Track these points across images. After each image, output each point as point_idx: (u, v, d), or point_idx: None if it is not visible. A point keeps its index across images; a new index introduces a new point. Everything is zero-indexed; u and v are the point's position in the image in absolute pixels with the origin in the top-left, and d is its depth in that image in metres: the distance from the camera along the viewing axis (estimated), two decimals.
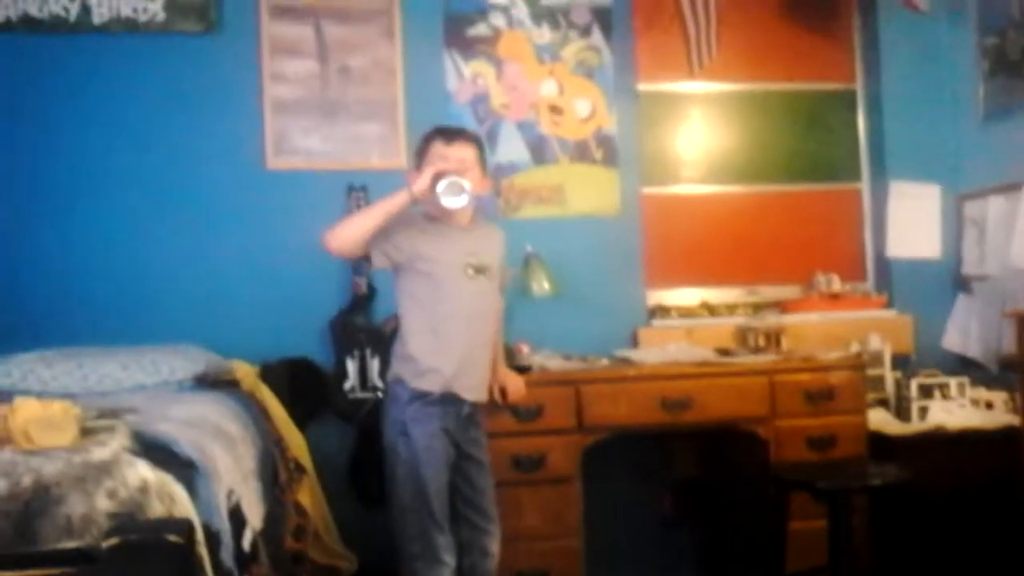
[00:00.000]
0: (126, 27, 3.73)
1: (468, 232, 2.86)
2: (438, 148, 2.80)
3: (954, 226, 4.18)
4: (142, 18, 3.74)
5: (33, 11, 3.67)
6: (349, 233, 2.68)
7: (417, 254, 2.75)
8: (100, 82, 3.73)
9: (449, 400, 2.77)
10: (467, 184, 2.67)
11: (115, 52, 3.74)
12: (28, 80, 3.68)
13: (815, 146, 4.39)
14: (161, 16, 3.76)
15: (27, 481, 1.67)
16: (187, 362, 3.09)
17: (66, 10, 3.70)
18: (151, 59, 3.76)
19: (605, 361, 3.65)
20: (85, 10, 3.71)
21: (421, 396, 2.74)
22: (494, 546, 2.91)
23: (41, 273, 3.64)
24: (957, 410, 3.68)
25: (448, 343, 2.76)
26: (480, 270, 2.81)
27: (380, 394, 3.67)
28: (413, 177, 2.76)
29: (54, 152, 3.69)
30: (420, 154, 2.86)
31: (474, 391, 2.83)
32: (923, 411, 3.69)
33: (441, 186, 2.66)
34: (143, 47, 3.76)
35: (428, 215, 2.83)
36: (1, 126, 3.66)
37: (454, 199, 2.67)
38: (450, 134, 2.86)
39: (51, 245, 3.66)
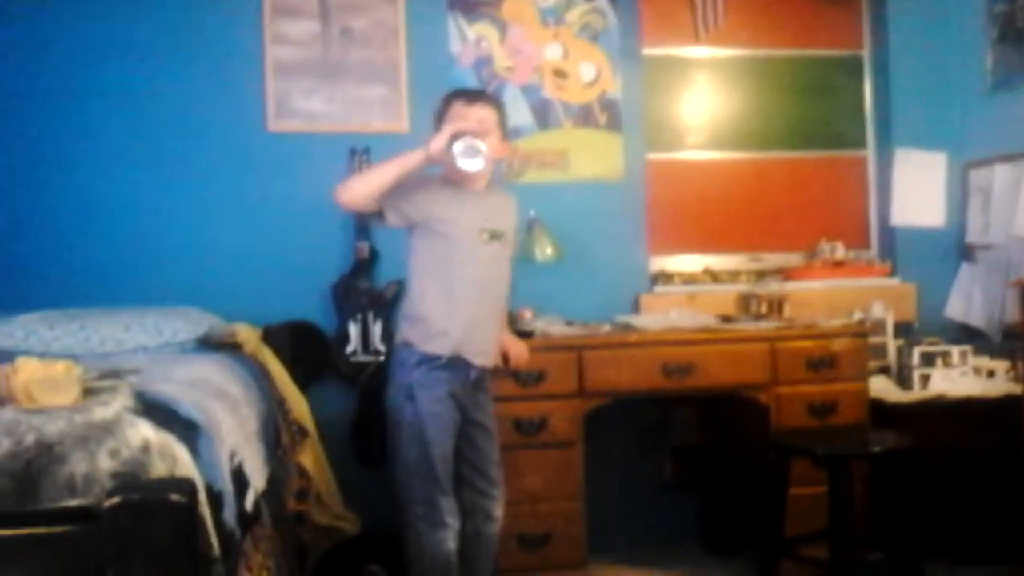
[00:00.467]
0: None
1: (483, 197, 2.84)
2: (458, 108, 2.77)
3: (959, 194, 4.16)
4: None
5: None
6: (362, 186, 2.67)
7: (434, 215, 2.72)
8: (100, 45, 3.70)
9: (457, 364, 2.76)
10: (483, 146, 2.64)
11: (115, 14, 3.70)
12: (25, 44, 3.65)
13: (821, 113, 4.36)
14: None
15: (29, 440, 1.67)
16: (189, 324, 3.09)
17: None
18: (149, 20, 3.72)
19: (607, 327, 3.65)
20: None
21: (429, 360, 2.73)
22: (498, 510, 2.93)
23: (44, 235, 3.63)
24: (959, 378, 3.68)
25: (460, 306, 2.75)
26: (495, 235, 2.80)
27: (382, 357, 3.68)
28: (431, 138, 2.72)
29: (54, 115, 3.66)
30: (439, 115, 2.83)
31: (483, 356, 2.83)
32: (925, 379, 3.70)
33: (458, 147, 2.63)
34: (142, 9, 3.72)
35: (444, 178, 2.80)
36: (5, 86, 3.63)
37: (470, 161, 2.64)
38: (471, 95, 2.85)
39: (53, 207, 3.65)
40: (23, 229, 3.62)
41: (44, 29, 3.66)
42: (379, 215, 2.74)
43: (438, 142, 2.62)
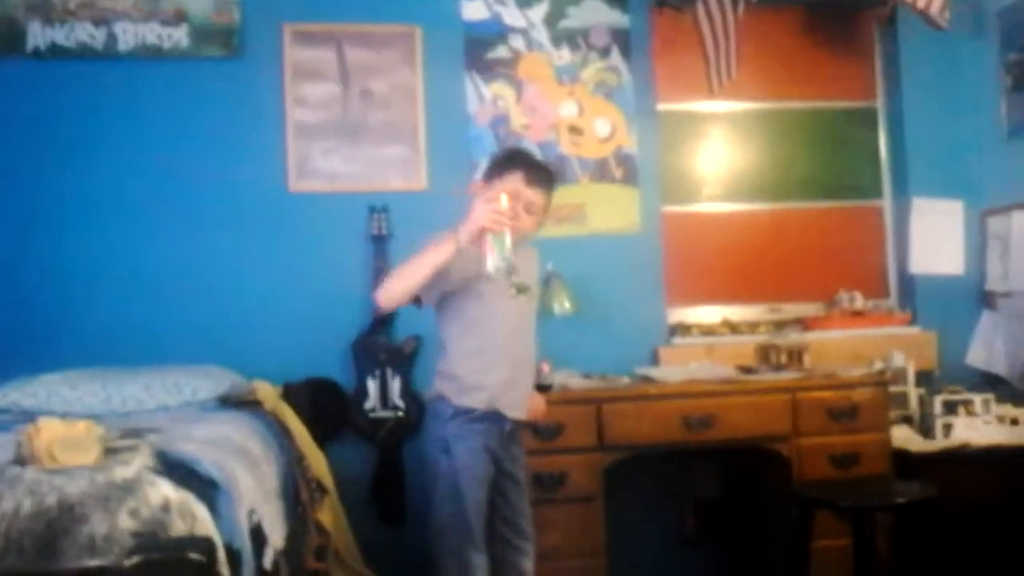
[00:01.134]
0: (151, 54, 3.79)
1: None
2: (516, 184, 2.70)
3: (977, 242, 4.16)
4: (166, 44, 3.80)
5: (60, 40, 3.73)
6: (401, 290, 2.63)
7: (464, 278, 2.73)
8: (126, 107, 3.78)
9: (492, 417, 2.76)
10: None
11: (140, 78, 3.79)
12: (55, 106, 3.74)
13: (836, 163, 4.38)
14: (185, 42, 3.82)
15: (51, 500, 1.69)
16: (210, 382, 3.12)
17: (92, 37, 3.76)
18: (175, 84, 3.81)
19: (626, 379, 3.65)
20: (111, 38, 3.77)
21: (464, 412, 2.73)
22: (528, 564, 2.89)
23: (66, 294, 3.69)
24: (982, 427, 3.64)
25: (494, 362, 2.75)
26: (522, 289, 2.80)
27: (400, 413, 3.69)
28: (478, 188, 2.68)
29: (79, 175, 3.74)
30: (496, 168, 2.79)
31: (517, 409, 2.82)
32: (947, 428, 3.66)
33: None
34: (167, 73, 3.81)
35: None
36: (30, 151, 3.72)
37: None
38: (535, 176, 2.75)
39: (76, 266, 3.71)
40: (45, 288, 3.67)
41: (68, 88, 3.75)
42: (415, 300, 2.72)
43: (468, 233, 2.55)
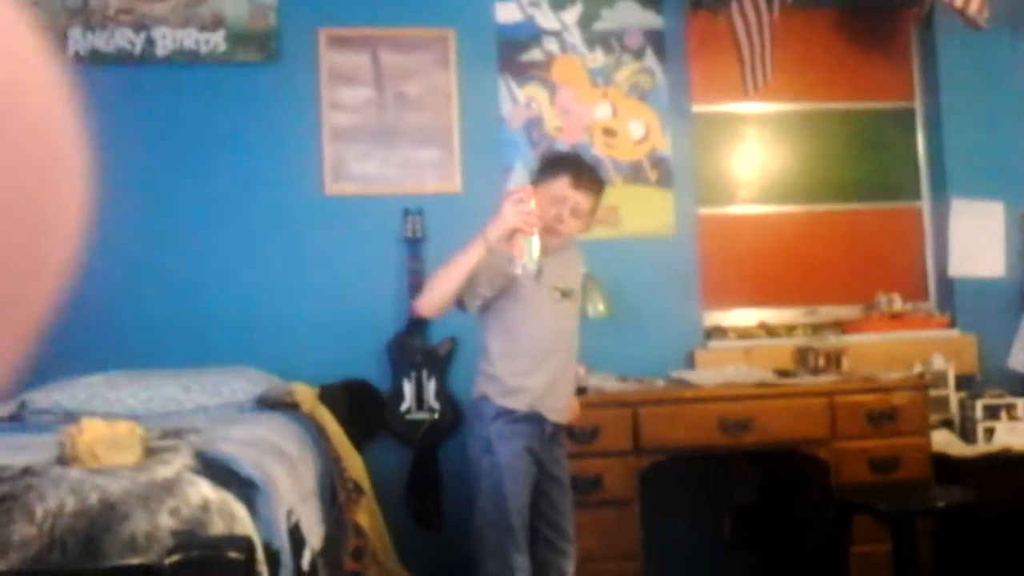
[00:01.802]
0: (189, 59, 3.83)
1: (554, 255, 2.75)
2: (563, 185, 2.70)
3: (1018, 244, 4.10)
4: (204, 49, 3.84)
5: (100, 45, 3.79)
6: (438, 298, 2.64)
7: (507, 283, 2.71)
8: (164, 112, 3.82)
9: (533, 419, 2.76)
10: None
11: (178, 82, 3.84)
12: (95, 110, 3.76)
13: (874, 165, 4.34)
14: (223, 47, 3.86)
15: (94, 499, 1.71)
16: (248, 384, 3.15)
17: (131, 43, 3.81)
18: (213, 88, 3.85)
19: (662, 383, 3.63)
20: (149, 43, 3.82)
21: (507, 413, 2.73)
22: (570, 566, 2.87)
23: (106, 296, 3.71)
24: None
25: (536, 365, 2.74)
26: (566, 294, 2.79)
27: (436, 415, 3.70)
28: (524, 193, 2.66)
29: (118, 179, 3.76)
30: (544, 171, 2.80)
31: (558, 412, 2.82)
32: (989, 432, 3.61)
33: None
34: (205, 77, 3.85)
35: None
36: None
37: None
38: (581, 178, 2.73)
39: (116, 269, 3.74)
40: (85, 290, 3.68)
41: (107, 93, 3.79)
42: (459, 304, 2.71)
43: (498, 233, 2.53)
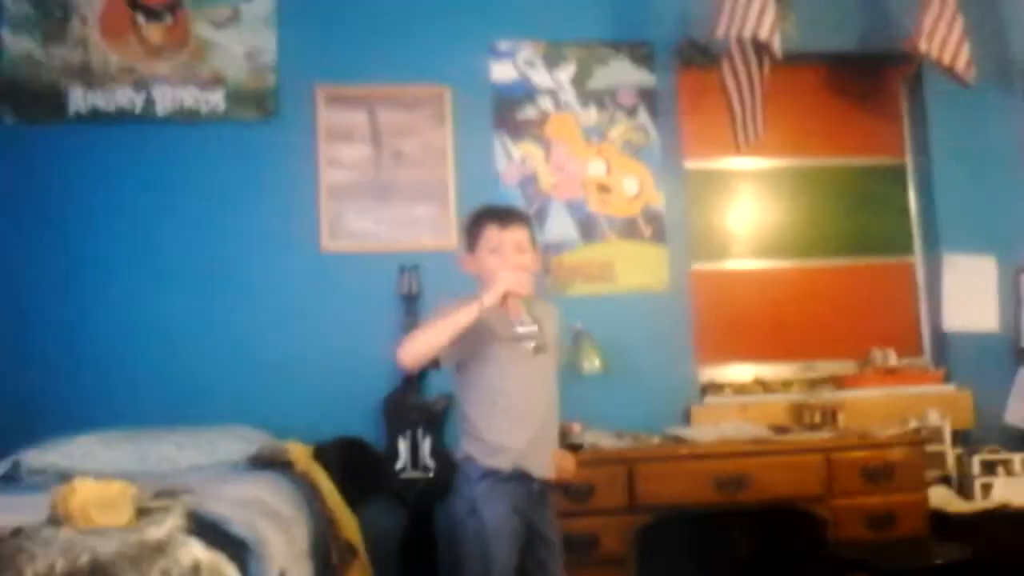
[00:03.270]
0: (188, 117, 3.88)
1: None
2: (493, 234, 2.76)
3: (1011, 298, 4.12)
4: (204, 108, 3.89)
5: (101, 104, 3.84)
6: (420, 351, 2.64)
7: (480, 341, 2.75)
8: (163, 169, 3.85)
9: (519, 477, 2.75)
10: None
11: (177, 141, 3.87)
12: (95, 169, 3.82)
13: (866, 220, 4.37)
14: (222, 106, 3.91)
15: (84, 560, 1.70)
16: (242, 443, 3.14)
17: (132, 103, 3.86)
18: (212, 146, 3.89)
19: (657, 439, 3.62)
20: (150, 102, 3.87)
21: (492, 473, 2.72)
22: None
23: (100, 355, 3.73)
24: (1022, 487, 3.57)
25: (517, 422, 2.73)
26: (540, 349, 2.80)
27: (431, 474, 3.68)
28: (467, 263, 2.76)
29: (116, 237, 3.81)
30: (471, 235, 2.83)
31: (543, 468, 2.80)
32: (986, 488, 3.60)
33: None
34: (204, 135, 3.89)
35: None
36: (69, 211, 3.79)
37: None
38: (503, 217, 2.80)
39: (111, 328, 3.75)
40: (79, 349, 3.72)
41: (107, 151, 3.84)
42: (434, 362, 2.74)
43: (492, 301, 2.62)
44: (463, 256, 2.84)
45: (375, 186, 3.98)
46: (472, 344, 2.71)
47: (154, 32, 3.92)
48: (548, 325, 2.89)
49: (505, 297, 2.61)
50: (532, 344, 2.68)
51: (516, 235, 2.78)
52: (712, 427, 3.71)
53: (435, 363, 2.73)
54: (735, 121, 3.96)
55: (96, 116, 3.84)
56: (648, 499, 3.34)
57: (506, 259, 2.71)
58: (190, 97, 3.90)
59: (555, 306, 3.00)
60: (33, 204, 3.78)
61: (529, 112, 4.10)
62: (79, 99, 3.83)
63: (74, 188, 3.80)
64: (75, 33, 3.86)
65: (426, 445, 3.71)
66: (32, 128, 3.80)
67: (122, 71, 3.87)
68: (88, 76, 3.85)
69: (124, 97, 3.86)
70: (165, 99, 3.89)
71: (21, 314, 3.72)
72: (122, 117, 3.85)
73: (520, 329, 2.62)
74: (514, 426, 2.73)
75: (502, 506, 2.69)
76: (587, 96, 4.14)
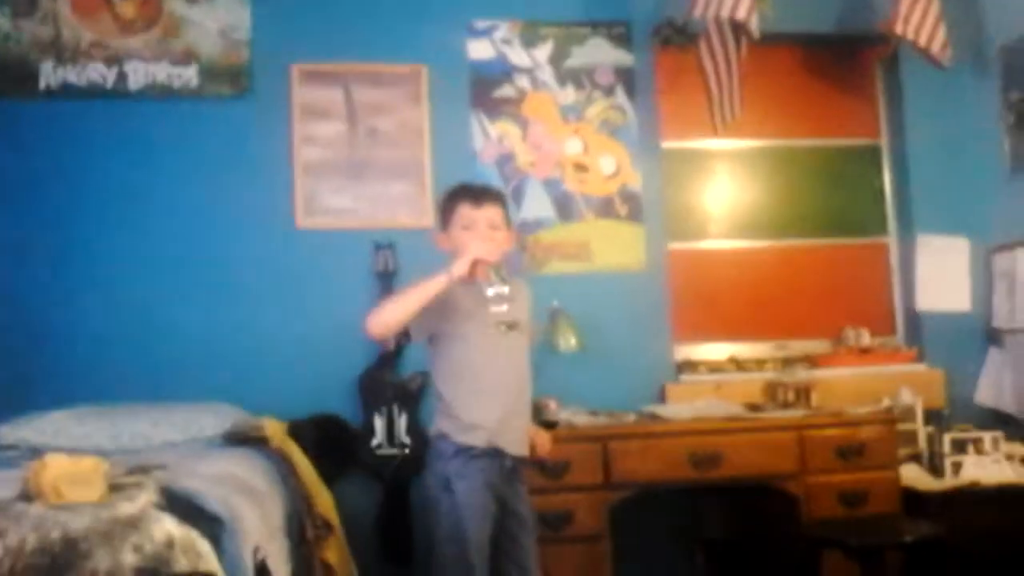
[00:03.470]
0: (161, 93, 3.84)
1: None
2: (466, 212, 2.78)
3: (984, 279, 4.16)
4: (176, 84, 3.85)
5: (72, 79, 3.79)
6: (390, 320, 2.67)
7: (452, 319, 2.76)
8: (135, 145, 3.81)
9: (493, 454, 2.76)
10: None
11: (150, 117, 3.83)
12: (66, 144, 3.78)
13: (841, 201, 4.40)
14: (195, 81, 3.87)
15: (55, 535, 1.69)
16: (216, 419, 3.12)
17: (103, 77, 3.81)
18: (185, 123, 3.85)
19: (632, 417, 3.64)
20: (121, 77, 3.82)
21: (465, 450, 2.73)
22: None
23: (73, 332, 3.70)
24: (991, 465, 3.62)
25: (489, 399, 2.75)
26: (512, 326, 2.81)
27: (407, 450, 3.68)
28: (441, 240, 2.79)
29: (89, 213, 3.77)
30: (445, 213, 2.85)
31: (516, 445, 2.82)
32: (957, 466, 3.64)
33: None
34: (177, 111, 3.86)
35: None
36: (40, 188, 3.75)
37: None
38: (477, 195, 2.82)
39: (83, 305, 3.72)
40: (53, 325, 3.69)
41: (78, 127, 3.79)
42: (405, 334, 2.76)
43: (461, 269, 2.63)
44: (437, 234, 2.85)
45: (351, 164, 3.96)
46: (442, 318, 2.72)
47: (127, 7, 3.87)
48: (521, 302, 2.90)
49: (474, 266, 2.63)
50: (504, 306, 2.67)
51: (489, 213, 2.80)
52: (687, 405, 3.73)
53: (406, 335, 2.75)
54: (712, 101, 3.97)
55: (67, 91, 3.79)
56: (623, 476, 3.35)
57: (479, 237, 2.72)
58: (163, 73, 3.86)
59: (527, 283, 3.01)
60: (1, 179, 3.73)
61: (506, 91, 4.09)
62: (50, 74, 3.78)
63: (45, 163, 3.76)
64: (45, 7, 3.80)
65: (402, 422, 3.71)
66: (1, 102, 3.75)
67: (94, 46, 3.83)
68: (59, 51, 3.80)
69: (96, 72, 3.82)
70: (138, 75, 3.84)
71: None
72: (94, 92, 3.81)
73: (490, 291, 2.61)
74: (486, 403, 2.74)
75: (475, 482, 2.70)
76: (564, 75, 4.13)
